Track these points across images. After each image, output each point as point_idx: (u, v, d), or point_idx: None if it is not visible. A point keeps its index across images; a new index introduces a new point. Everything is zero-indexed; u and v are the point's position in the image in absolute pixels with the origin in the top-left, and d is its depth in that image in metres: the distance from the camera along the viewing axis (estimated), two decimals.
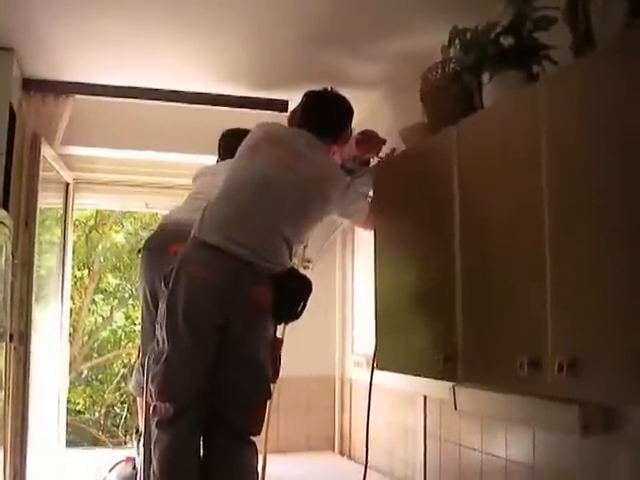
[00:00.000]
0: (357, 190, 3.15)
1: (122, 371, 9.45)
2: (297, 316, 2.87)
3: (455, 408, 2.91)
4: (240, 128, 3.39)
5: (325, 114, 3.11)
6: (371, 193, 3.21)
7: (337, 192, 2.96)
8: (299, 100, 3.20)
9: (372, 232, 3.15)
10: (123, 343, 9.66)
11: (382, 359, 2.99)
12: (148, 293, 3.24)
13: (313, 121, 3.06)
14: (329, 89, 3.16)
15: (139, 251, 3.43)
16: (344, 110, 3.17)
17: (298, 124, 3.09)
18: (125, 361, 9.53)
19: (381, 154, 3.33)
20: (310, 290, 2.86)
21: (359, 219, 3.24)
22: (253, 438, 2.79)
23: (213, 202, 2.88)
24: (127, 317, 9.76)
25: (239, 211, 2.81)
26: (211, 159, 3.82)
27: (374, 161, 3.40)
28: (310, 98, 3.15)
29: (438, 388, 3.08)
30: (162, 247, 3.09)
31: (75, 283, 8.86)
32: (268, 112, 4.15)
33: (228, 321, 2.70)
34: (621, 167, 1.69)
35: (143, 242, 3.51)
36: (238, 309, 2.71)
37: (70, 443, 5.05)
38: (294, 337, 3.26)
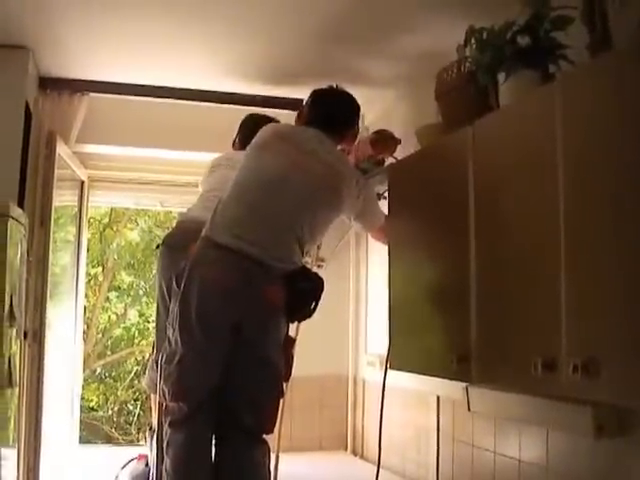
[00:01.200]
0: (371, 192, 3.13)
1: (135, 368, 9.47)
2: (310, 315, 2.87)
3: (468, 409, 2.89)
4: (262, 115, 3.40)
5: (332, 111, 3.10)
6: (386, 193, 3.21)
7: (348, 188, 2.93)
8: None
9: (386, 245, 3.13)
10: (136, 341, 9.68)
11: (395, 359, 2.99)
12: (165, 289, 3.24)
13: (320, 118, 3.05)
14: (335, 86, 3.15)
15: (157, 247, 3.43)
16: (351, 106, 3.16)
17: (305, 122, 3.09)
18: (138, 359, 9.55)
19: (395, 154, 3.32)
20: (322, 289, 2.84)
21: (373, 225, 3.18)
22: (265, 437, 2.79)
23: (224, 201, 2.87)
24: (141, 315, 9.78)
25: (250, 210, 2.81)
26: None
27: (389, 161, 3.39)
28: (316, 96, 3.15)
29: (451, 388, 3.07)
30: (181, 245, 3.09)
31: (89, 281, 8.89)
32: (282, 111, 4.15)
33: (242, 321, 2.69)
34: (637, 167, 1.68)
35: (162, 238, 3.52)
36: (252, 309, 2.70)
37: (83, 440, 5.06)
38: (307, 336, 3.26)
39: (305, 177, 2.85)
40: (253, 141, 3.02)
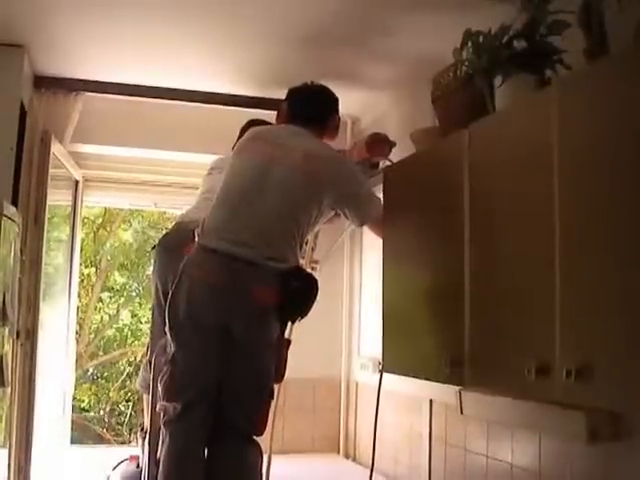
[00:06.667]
0: (365, 179, 3.12)
1: (127, 369, 9.46)
2: (303, 315, 2.85)
3: (461, 413, 2.89)
4: (261, 120, 3.42)
5: (306, 103, 3.15)
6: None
7: (330, 172, 2.92)
8: None
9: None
10: (129, 341, 9.67)
11: (388, 362, 2.98)
12: (160, 290, 3.25)
13: (298, 115, 3.11)
14: (310, 83, 3.20)
15: (153, 248, 3.44)
16: (326, 99, 3.20)
17: (284, 119, 3.16)
18: (131, 359, 9.53)
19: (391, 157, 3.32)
20: (316, 289, 2.84)
21: (371, 215, 3.05)
22: (257, 439, 2.79)
23: (212, 207, 2.92)
24: (133, 315, 9.77)
25: (234, 212, 2.83)
26: None
27: (384, 164, 3.39)
28: (292, 94, 3.21)
29: (444, 392, 3.07)
30: (176, 246, 3.10)
31: (82, 281, 8.86)
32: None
33: (231, 321, 2.71)
34: (633, 172, 1.68)
35: (158, 239, 3.52)
36: (240, 309, 2.72)
37: (74, 441, 5.03)
38: (301, 338, 3.25)
39: (283, 168, 2.86)
40: (234, 148, 3.07)
